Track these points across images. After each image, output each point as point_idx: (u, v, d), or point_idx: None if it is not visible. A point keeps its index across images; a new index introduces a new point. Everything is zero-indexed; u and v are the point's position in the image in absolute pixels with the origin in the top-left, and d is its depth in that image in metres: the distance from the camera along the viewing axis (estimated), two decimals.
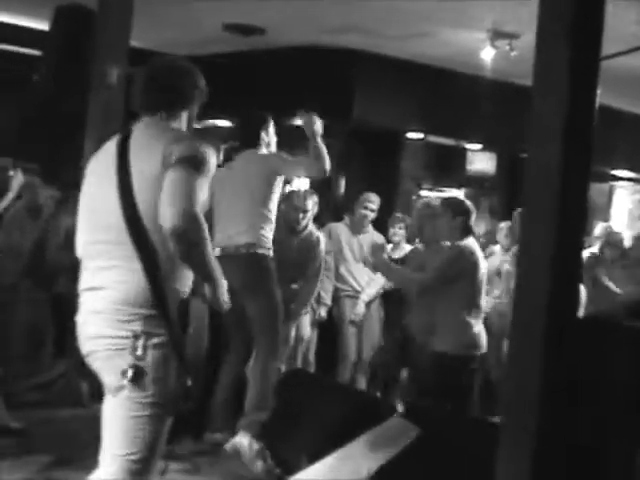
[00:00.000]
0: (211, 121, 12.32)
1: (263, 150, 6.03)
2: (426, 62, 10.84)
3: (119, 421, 3.37)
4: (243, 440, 5.60)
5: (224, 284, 3.45)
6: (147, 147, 3.39)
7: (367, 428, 5.19)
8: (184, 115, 3.63)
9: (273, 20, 9.75)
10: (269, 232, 5.79)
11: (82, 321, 3.45)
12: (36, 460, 5.75)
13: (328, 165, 5.77)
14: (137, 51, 8.09)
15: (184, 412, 3.46)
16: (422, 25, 9.22)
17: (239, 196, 5.83)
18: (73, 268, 3.60)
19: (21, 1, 9.55)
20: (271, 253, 5.80)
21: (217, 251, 5.62)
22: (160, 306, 3.29)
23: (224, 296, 3.48)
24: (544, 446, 3.51)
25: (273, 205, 5.84)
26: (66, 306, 3.62)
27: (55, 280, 7.29)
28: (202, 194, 3.28)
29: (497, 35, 9.02)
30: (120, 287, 3.32)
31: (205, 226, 3.26)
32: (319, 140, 5.72)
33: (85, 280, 3.48)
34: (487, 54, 9.39)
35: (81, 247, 3.53)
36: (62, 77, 8.61)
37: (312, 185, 11.21)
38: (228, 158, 6.77)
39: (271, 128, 6.15)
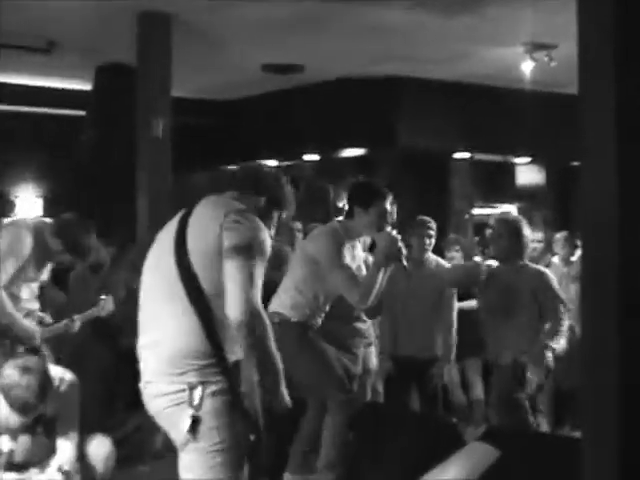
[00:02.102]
0: (258, 162, 12.36)
1: (334, 225, 5.75)
2: (467, 81, 10.85)
3: (192, 473, 3.39)
4: None
5: (283, 381, 3.50)
6: (209, 214, 3.52)
7: (447, 454, 5.13)
8: (252, 200, 3.67)
9: (311, 56, 9.80)
10: (299, 297, 5.56)
11: (144, 383, 3.50)
12: None
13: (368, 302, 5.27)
14: (179, 100, 8.19)
15: (259, 456, 3.45)
16: (460, 45, 9.24)
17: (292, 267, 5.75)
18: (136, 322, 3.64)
19: (62, 65, 9.69)
20: (307, 319, 5.60)
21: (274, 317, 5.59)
22: (217, 356, 3.35)
23: (284, 392, 3.50)
24: (629, 460, 3.44)
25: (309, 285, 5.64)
26: (134, 359, 3.65)
27: (121, 334, 7.34)
28: (261, 278, 3.39)
29: (535, 47, 9.01)
30: (175, 341, 3.38)
31: (267, 320, 3.38)
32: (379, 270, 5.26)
33: (143, 337, 3.55)
34: (527, 67, 9.36)
35: (141, 306, 3.61)
36: (107, 134, 8.74)
37: None
38: None
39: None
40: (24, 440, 4.77)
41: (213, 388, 3.33)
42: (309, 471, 5.81)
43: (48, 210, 12.66)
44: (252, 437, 3.39)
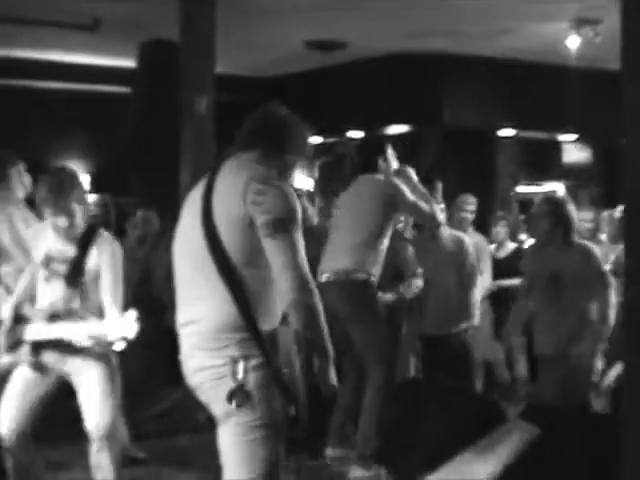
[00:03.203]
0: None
1: (380, 176, 5.94)
2: (512, 57, 10.76)
3: (234, 447, 3.40)
4: (357, 472, 5.64)
5: (332, 360, 3.49)
6: (231, 183, 3.46)
7: (486, 431, 5.13)
8: (276, 162, 3.61)
9: (354, 33, 9.77)
10: (372, 255, 5.73)
11: (184, 356, 3.51)
12: None
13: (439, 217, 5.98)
14: (222, 77, 8.20)
15: (298, 430, 3.46)
16: (505, 21, 9.17)
17: (347, 223, 5.84)
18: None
19: (107, 42, 9.75)
20: (373, 278, 5.75)
21: (323, 277, 5.65)
22: (252, 330, 3.34)
23: (333, 374, 3.48)
24: None
25: (382, 233, 5.78)
26: (175, 334, 3.66)
27: (164, 310, 7.40)
28: (302, 245, 3.38)
29: (580, 22, 8.92)
30: (212, 316, 3.38)
31: (317, 296, 3.37)
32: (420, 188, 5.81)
33: (181, 314, 3.55)
34: (572, 43, 9.27)
35: (176, 281, 3.62)
36: (152, 111, 8.78)
37: None
38: (324, 174, 6.80)
39: (390, 154, 6.06)
40: (69, 291, 4.86)
41: (253, 362, 3.32)
42: (349, 445, 5.86)
43: (94, 186, 12.82)
44: (291, 410, 3.39)
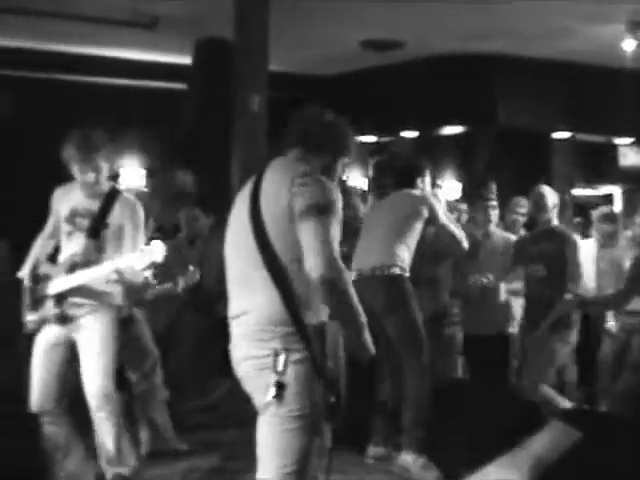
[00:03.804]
0: (357, 137, 12.43)
1: (417, 192, 6.05)
2: (568, 59, 10.68)
3: (270, 437, 3.46)
4: (407, 457, 5.70)
5: (367, 331, 3.54)
6: (277, 180, 3.54)
7: (527, 434, 5.13)
8: (319, 161, 3.69)
9: (410, 33, 9.78)
10: (405, 253, 5.82)
11: (233, 346, 3.59)
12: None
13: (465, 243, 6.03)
14: (276, 75, 8.27)
15: (339, 426, 3.50)
16: (561, 23, 9.13)
17: (381, 225, 5.92)
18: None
19: (164, 39, 9.87)
20: (407, 274, 5.83)
21: (354, 275, 5.73)
22: (296, 325, 3.40)
23: (368, 341, 3.54)
24: None
25: (412, 239, 5.89)
26: (226, 326, 3.74)
27: (215, 305, 7.48)
28: (337, 234, 3.43)
29: (636, 25, 8.84)
30: (259, 310, 3.45)
31: (347, 273, 3.42)
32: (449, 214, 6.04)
33: (231, 307, 3.64)
34: (628, 45, 9.20)
35: (227, 275, 3.71)
36: (205, 108, 8.87)
37: (464, 193, 11.19)
38: (378, 173, 6.83)
39: (427, 177, 6.17)
40: (89, 243, 4.99)
41: (295, 355, 3.38)
42: (392, 445, 5.91)
43: (150, 181, 12.96)
44: (332, 399, 3.42)
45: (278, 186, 3.49)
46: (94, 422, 5.04)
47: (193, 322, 7.77)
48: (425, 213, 5.86)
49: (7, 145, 10.39)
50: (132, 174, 12.74)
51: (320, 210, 3.39)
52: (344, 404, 3.45)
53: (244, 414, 3.61)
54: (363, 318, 3.49)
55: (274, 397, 3.37)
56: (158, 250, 4.67)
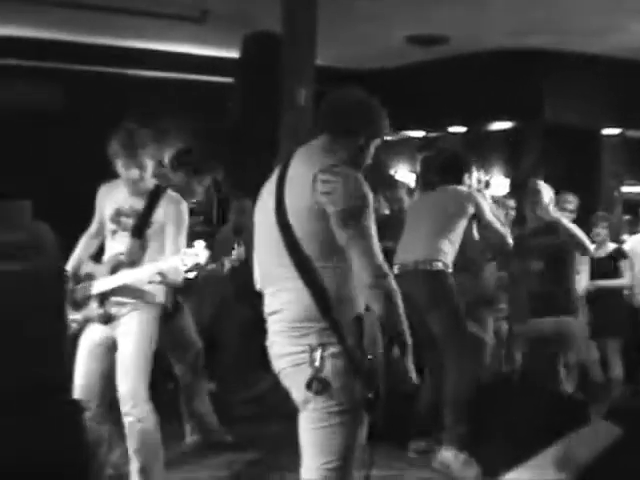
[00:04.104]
0: (404, 133, 12.46)
1: (463, 188, 6.06)
2: (616, 55, 10.58)
3: (311, 433, 3.47)
4: (448, 453, 5.70)
5: (411, 349, 3.48)
6: (301, 174, 3.47)
7: (570, 431, 5.10)
8: (347, 146, 3.59)
9: (456, 28, 9.74)
10: (449, 249, 5.82)
11: (270, 343, 3.58)
12: (250, 472, 6.01)
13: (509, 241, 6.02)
14: (323, 69, 8.27)
15: (379, 420, 3.49)
16: (609, 18, 9.03)
17: (425, 220, 5.92)
18: None
19: (211, 33, 9.92)
20: (449, 269, 5.82)
21: (396, 268, 5.73)
22: (329, 320, 3.38)
23: (410, 362, 3.48)
24: None
25: (456, 235, 5.88)
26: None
27: (258, 295, 7.52)
28: (374, 229, 3.40)
29: None
30: (292, 307, 3.43)
31: (392, 277, 3.40)
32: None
33: (266, 305, 3.61)
34: None
35: (258, 274, 3.69)
36: (252, 102, 8.89)
37: (512, 189, 11.13)
38: (425, 169, 6.84)
39: (474, 173, 6.19)
40: (133, 242, 5.03)
41: (331, 350, 3.37)
42: (434, 440, 5.92)
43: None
44: (370, 395, 3.39)
45: (302, 180, 3.43)
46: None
47: (237, 314, 7.81)
48: (470, 210, 5.86)
49: (57, 138, 10.51)
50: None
51: (355, 216, 3.35)
52: (383, 398, 3.43)
53: (288, 407, 3.62)
54: (409, 336, 3.44)
55: (315, 393, 3.36)
56: (201, 252, 4.69)
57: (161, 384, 7.73)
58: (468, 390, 5.73)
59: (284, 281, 3.46)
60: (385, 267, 3.38)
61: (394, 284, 3.39)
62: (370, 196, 3.42)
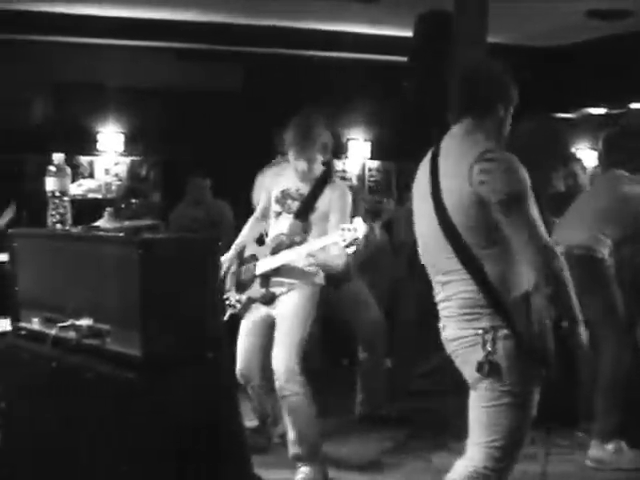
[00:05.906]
0: (585, 110, 12.23)
1: None
2: None
3: (480, 411, 3.52)
4: (601, 443, 5.60)
5: (583, 323, 3.50)
6: (453, 164, 3.51)
7: None
8: (488, 122, 3.61)
9: (638, 1, 9.47)
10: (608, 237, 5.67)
11: (442, 326, 3.65)
12: (414, 446, 6.12)
13: None
14: (496, 46, 8.21)
15: (553, 402, 3.51)
16: None
17: (595, 203, 5.81)
18: None
19: (384, 12, 9.99)
20: (608, 259, 5.68)
21: (559, 248, 5.64)
22: (497, 305, 3.42)
23: (583, 335, 3.49)
24: None
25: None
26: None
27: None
28: (537, 214, 3.41)
29: None
30: (460, 297, 3.50)
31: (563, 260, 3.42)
32: None
33: (436, 292, 3.68)
34: None
35: (423, 260, 3.74)
36: (426, 81, 8.89)
37: None
38: (607, 146, 6.70)
39: None
40: (295, 224, 5.19)
41: (502, 332, 3.42)
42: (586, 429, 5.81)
43: (375, 154, 13.19)
44: (543, 373, 3.47)
45: (457, 170, 3.47)
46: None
47: (412, 288, 7.90)
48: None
49: (236, 117, 10.87)
50: (358, 146, 13.03)
51: (516, 203, 3.37)
52: (556, 377, 3.46)
53: (458, 383, 3.69)
54: (579, 311, 3.46)
55: (486, 375, 3.43)
56: (360, 227, 4.78)
57: (336, 360, 7.97)
58: (624, 377, 5.59)
59: (450, 274, 3.53)
60: (553, 248, 3.42)
61: (563, 263, 3.42)
62: (527, 176, 3.43)
